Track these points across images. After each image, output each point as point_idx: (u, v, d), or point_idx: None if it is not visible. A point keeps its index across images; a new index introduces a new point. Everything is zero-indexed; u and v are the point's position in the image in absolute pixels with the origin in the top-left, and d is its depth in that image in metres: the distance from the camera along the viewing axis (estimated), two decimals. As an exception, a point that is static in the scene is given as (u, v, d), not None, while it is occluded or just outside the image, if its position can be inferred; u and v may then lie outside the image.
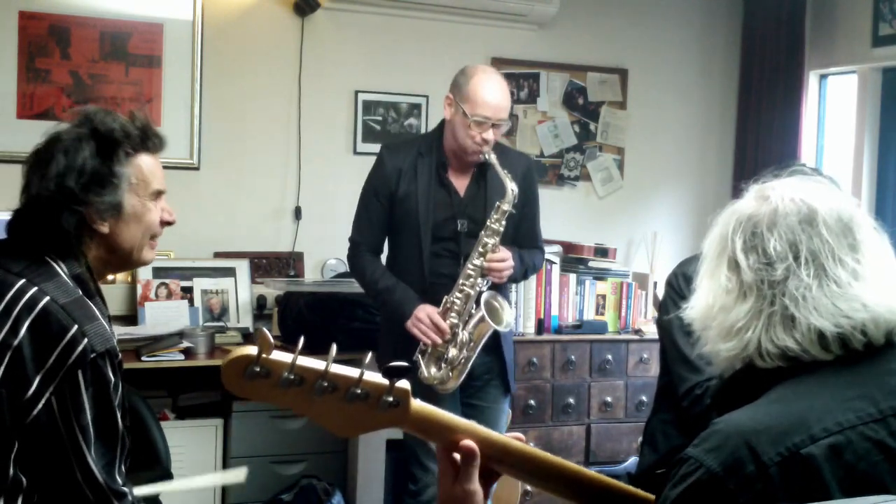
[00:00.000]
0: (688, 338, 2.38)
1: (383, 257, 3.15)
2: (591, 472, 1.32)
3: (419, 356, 2.90)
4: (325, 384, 1.11)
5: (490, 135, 2.90)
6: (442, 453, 1.24)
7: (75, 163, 1.70)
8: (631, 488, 1.33)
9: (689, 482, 1.12)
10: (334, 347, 1.12)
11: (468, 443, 1.21)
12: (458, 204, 3.01)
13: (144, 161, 1.80)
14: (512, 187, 2.88)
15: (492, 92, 2.91)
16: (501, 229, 2.89)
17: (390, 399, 1.14)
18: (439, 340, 2.87)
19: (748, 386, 1.23)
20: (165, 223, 1.87)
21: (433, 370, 2.90)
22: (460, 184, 3.04)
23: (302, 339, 1.14)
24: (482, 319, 2.87)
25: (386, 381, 1.14)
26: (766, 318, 1.22)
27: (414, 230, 2.98)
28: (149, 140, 1.82)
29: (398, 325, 2.92)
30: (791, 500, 1.08)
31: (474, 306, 2.89)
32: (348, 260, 3.15)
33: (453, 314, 2.89)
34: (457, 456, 1.23)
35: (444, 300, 2.90)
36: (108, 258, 1.81)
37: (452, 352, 2.88)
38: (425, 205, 2.97)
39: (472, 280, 2.89)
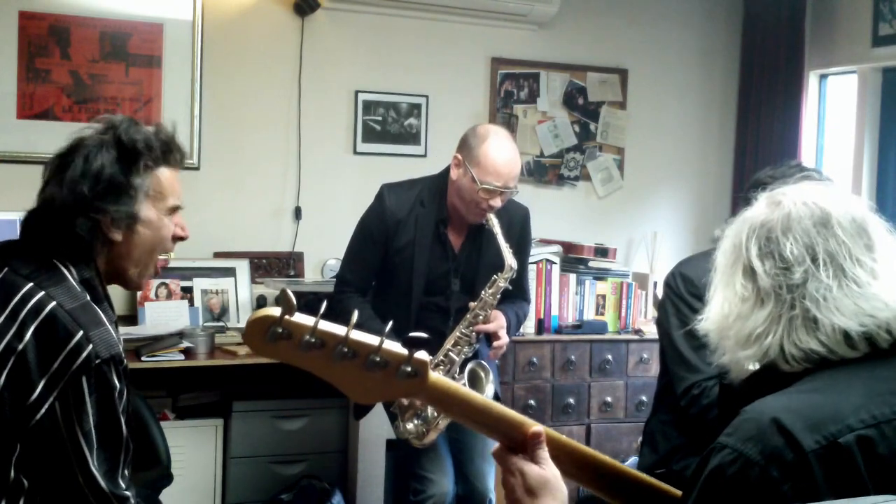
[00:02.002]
0: (686, 338, 2.40)
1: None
2: (613, 461, 1.31)
3: (397, 409, 2.87)
4: (346, 350, 1.12)
5: (498, 202, 2.82)
6: (501, 451, 1.25)
7: (91, 169, 1.70)
8: (652, 480, 1.33)
9: (730, 472, 1.11)
10: (356, 313, 1.13)
11: (536, 428, 1.22)
12: (452, 260, 2.97)
13: (164, 175, 1.80)
14: (511, 263, 2.82)
15: (504, 160, 2.80)
16: (495, 303, 2.86)
17: (408, 369, 1.15)
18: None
19: (774, 383, 1.22)
20: (178, 238, 1.86)
21: (409, 425, 2.87)
22: (456, 240, 2.98)
23: (325, 303, 1.14)
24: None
25: (405, 351, 1.14)
26: (786, 322, 1.22)
27: (406, 282, 2.94)
28: (171, 154, 1.81)
29: None
30: (828, 488, 1.08)
31: (458, 371, 2.86)
32: (333, 298, 3.01)
33: None
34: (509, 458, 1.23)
35: (429, 360, 2.86)
36: (111, 269, 1.79)
37: (430, 411, 2.85)
38: (421, 261, 2.92)
39: (458, 347, 2.86)
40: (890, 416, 1.13)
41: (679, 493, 1.30)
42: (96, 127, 1.78)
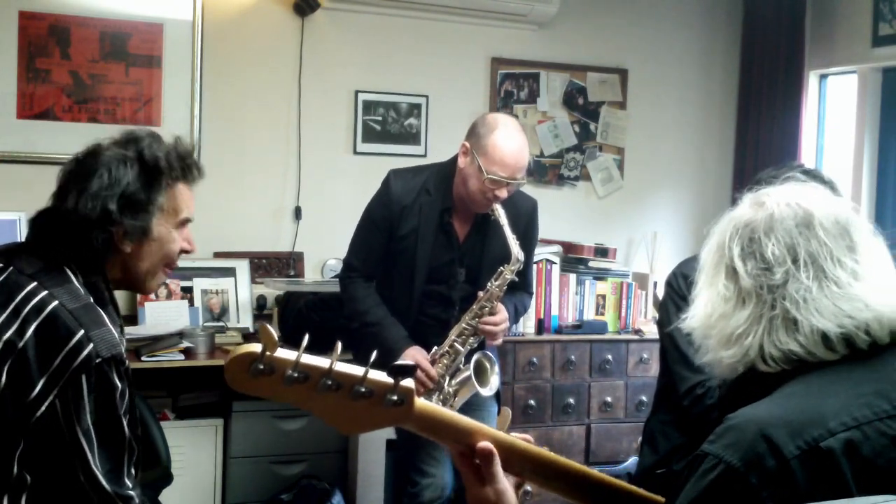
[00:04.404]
0: (688, 338, 2.40)
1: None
2: (598, 472, 1.32)
3: None
4: (330, 382, 1.11)
5: (504, 193, 2.80)
6: (460, 459, 1.24)
7: (118, 185, 1.72)
8: (638, 490, 1.33)
9: (709, 479, 1.11)
10: (339, 345, 1.12)
11: (485, 444, 1.21)
12: (457, 250, 2.96)
13: (180, 190, 1.84)
14: (518, 255, 2.80)
15: (511, 151, 2.77)
16: (502, 294, 2.84)
17: (394, 398, 1.14)
18: (430, 385, 2.82)
19: (756, 385, 1.23)
20: (183, 252, 1.89)
21: None
22: (462, 229, 2.97)
23: (307, 337, 1.13)
24: (468, 379, 2.82)
25: (390, 380, 1.14)
26: (766, 322, 1.22)
27: (409, 270, 2.93)
28: (189, 171, 1.85)
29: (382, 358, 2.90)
30: (811, 494, 1.08)
31: (463, 361, 2.86)
32: (340, 281, 3.09)
33: (441, 366, 2.85)
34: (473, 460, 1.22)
35: (433, 349, 2.86)
36: (122, 277, 1.82)
37: (434, 401, 2.83)
38: (425, 249, 2.91)
39: (464, 338, 2.85)
40: (871, 417, 1.13)
41: (662, 499, 1.30)
42: (117, 138, 1.80)
